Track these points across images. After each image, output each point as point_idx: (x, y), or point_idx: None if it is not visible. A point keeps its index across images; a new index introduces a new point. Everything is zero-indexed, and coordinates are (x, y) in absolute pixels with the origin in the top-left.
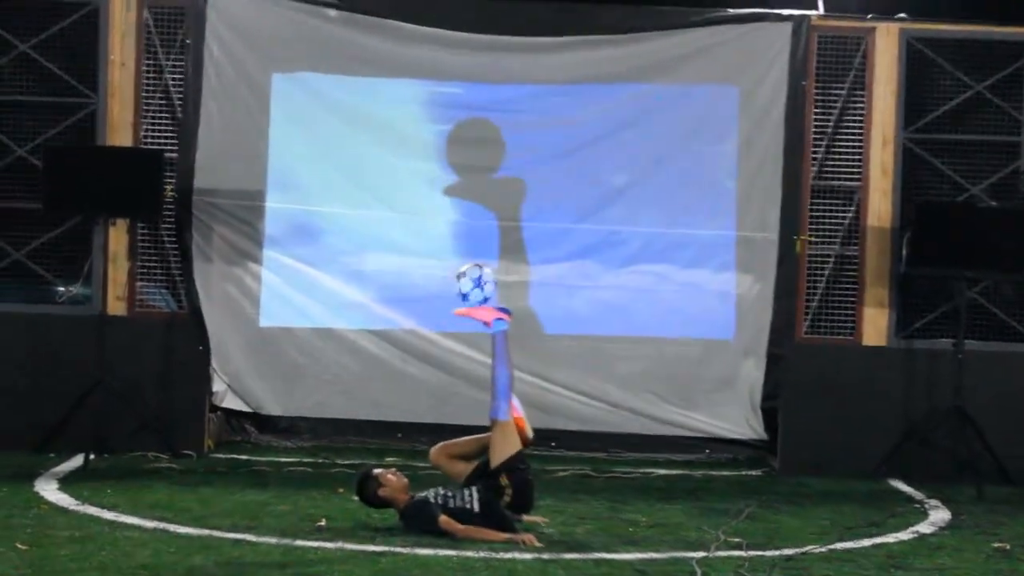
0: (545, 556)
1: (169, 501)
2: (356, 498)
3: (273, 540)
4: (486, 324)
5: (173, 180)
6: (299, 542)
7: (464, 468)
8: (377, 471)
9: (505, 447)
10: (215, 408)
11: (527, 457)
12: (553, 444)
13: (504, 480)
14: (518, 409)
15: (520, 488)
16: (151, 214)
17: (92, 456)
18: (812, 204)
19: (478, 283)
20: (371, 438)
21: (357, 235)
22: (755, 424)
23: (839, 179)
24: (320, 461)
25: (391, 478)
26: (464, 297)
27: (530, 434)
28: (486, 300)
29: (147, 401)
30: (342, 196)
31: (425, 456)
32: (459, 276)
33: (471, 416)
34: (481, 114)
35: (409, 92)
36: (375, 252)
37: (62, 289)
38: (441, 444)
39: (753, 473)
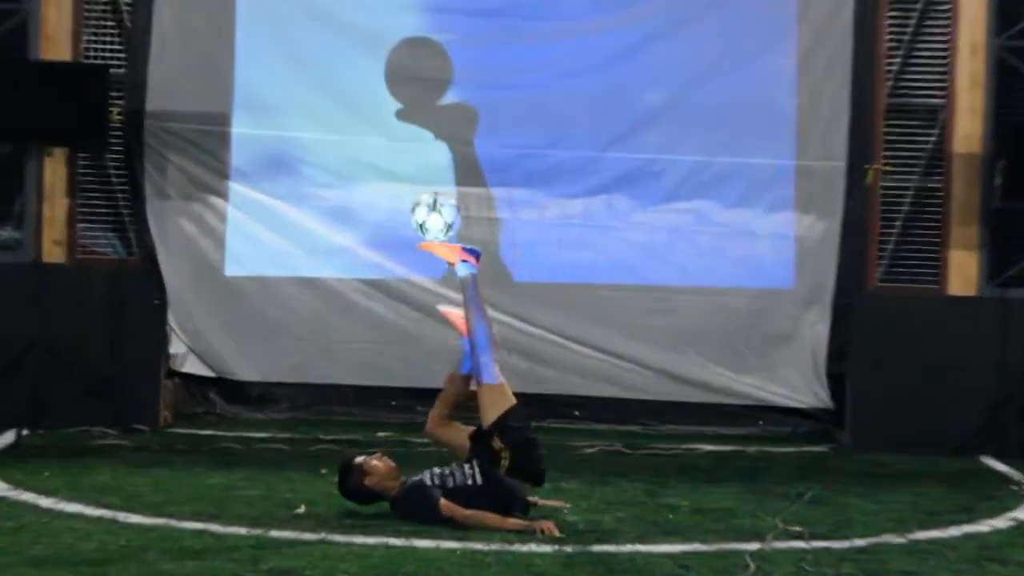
0: (568, 548)
1: (118, 484)
2: (344, 496)
3: (242, 530)
4: (449, 264)
5: (120, 101)
6: (273, 533)
7: (464, 438)
8: (359, 459)
9: (492, 406)
10: (173, 373)
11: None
12: (577, 414)
13: (498, 443)
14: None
15: (518, 448)
16: (94, 142)
17: (26, 432)
18: (887, 126)
19: (433, 208)
20: (359, 408)
21: (341, 165)
22: (819, 390)
23: (919, 96)
24: (299, 437)
25: (376, 464)
26: (421, 228)
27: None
28: (450, 229)
29: (92, 366)
30: (322, 119)
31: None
32: (413, 208)
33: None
34: (487, 21)
35: None
36: (362, 185)
37: None
38: (430, 413)
39: (817, 449)
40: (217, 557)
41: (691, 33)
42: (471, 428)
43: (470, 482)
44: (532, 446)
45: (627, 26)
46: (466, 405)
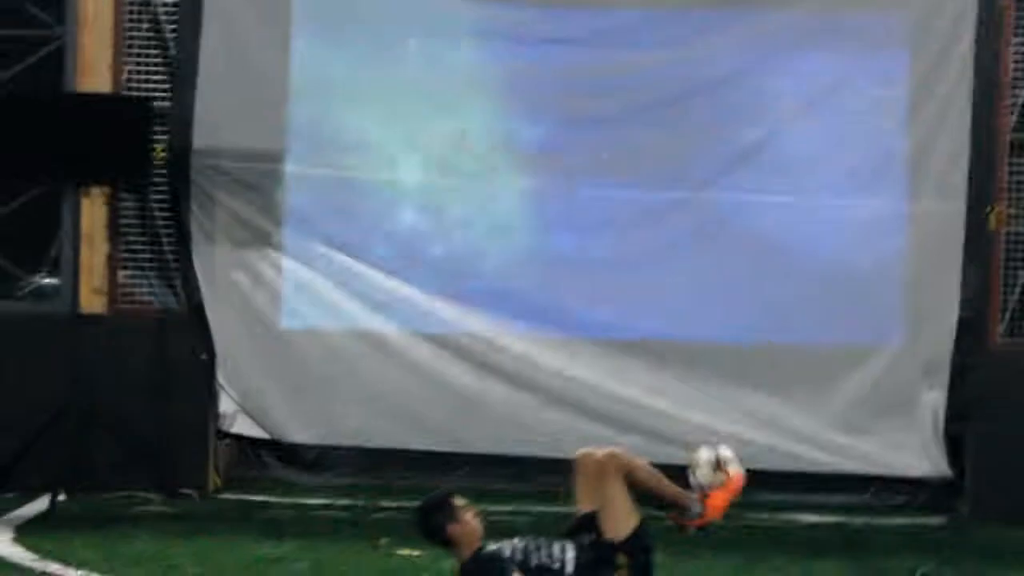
0: None
1: (156, 555)
2: (418, 526)
3: None
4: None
5: (165, 136)
6: None
7: (617, 503)
8: (458, 501)
9: (627, 514)
10: (223, 434)
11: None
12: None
13: (622, 559)
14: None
15: (640, 570)
16: (137, 181)
17: (62, 496)
18: (1012, 164)
19: (716, 467)
20: (426, 474)
21: (406, 207)
22: (936, 455)
23: None
24: (357, 504)
25: (469, 519)
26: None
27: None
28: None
29: (134, 425)
30: (386, 155)
31: (498, 499)
32: (694, 470)
33: (559, 445)
34: (567, 48)
35: (477, 17)
36: (430, 230)
37: (23, 280)
38: (625, 453)
39: (933, 521)
40: None
41: (793, 62)
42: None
43: (557, 566)
44: (651, 567)
45: (722, 53)
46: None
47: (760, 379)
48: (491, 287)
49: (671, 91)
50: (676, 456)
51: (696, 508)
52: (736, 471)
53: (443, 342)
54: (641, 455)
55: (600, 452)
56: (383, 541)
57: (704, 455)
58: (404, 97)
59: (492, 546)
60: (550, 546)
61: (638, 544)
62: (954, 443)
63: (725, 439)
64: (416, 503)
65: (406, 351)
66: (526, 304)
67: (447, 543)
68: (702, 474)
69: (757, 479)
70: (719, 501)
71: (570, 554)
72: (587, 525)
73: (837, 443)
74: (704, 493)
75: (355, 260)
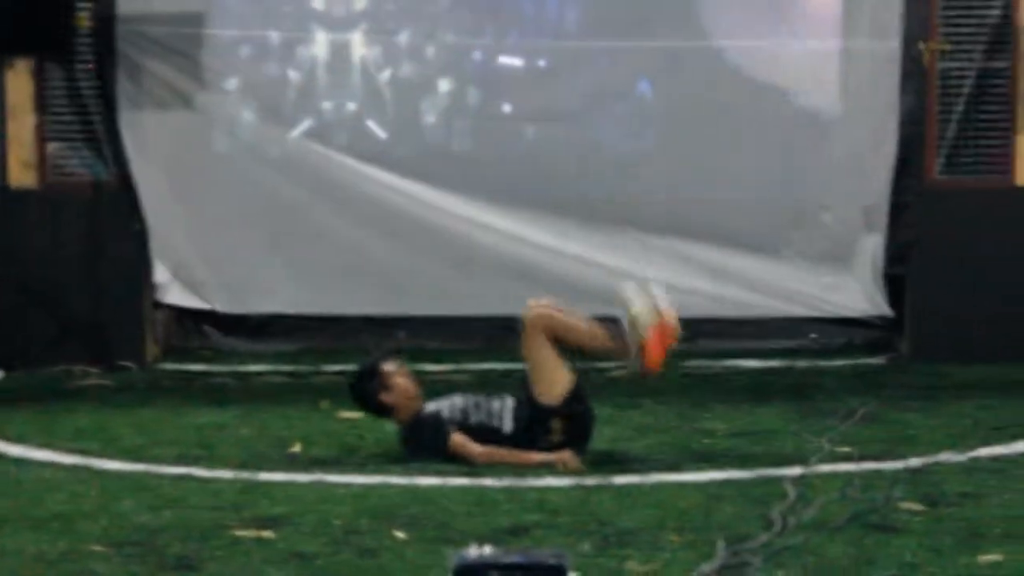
0: (589, 481)
1: (96, 428)
2: (352, 398)
3: (229, 474)
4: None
5: (89, 4)
6: (263, 475)
7: (551, 362)
8: (387, 367)
9: (557, 375)
10: (160, 305)
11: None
12: None
13: (556, 424)
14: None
15: (577, 432)
16: (62, 51)
17: None
18: None
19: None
20: (366, 336)
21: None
22: (876, 296)
23: None
24: (300, 369)
25: (400, 381)
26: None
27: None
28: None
29: (69, 299)
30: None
31: (435, 357)
32: (626, 304)
33: (504, 307)
34: None
35: None
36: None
37: None
38: (548, 311)
39: (873, 361)
40: (198, 505)
41: None
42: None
43: (496, 423)
44: (589, 431)
45: None
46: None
47: (700, 229)
48: (425, 148)
49: None
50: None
51: (635, 360)
52: (667, 308)
53: (380, 203)
54: (579, 310)
55: (530, 311)
56: (324, 404)
57: (632, 292)
58: None
59: (431, 405)
60: (489, 402)
61: (571, 409)
62: (893, 283)
63: (658, 282)
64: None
65: (352, 205)
66: (457, 165)
67: (384, 411)
68: (635, 312)
69: (698, 327)
70: (655, 346)
71: (508, 412)
72: (528, 390)
73: (777, 287)
74: (640, 337)
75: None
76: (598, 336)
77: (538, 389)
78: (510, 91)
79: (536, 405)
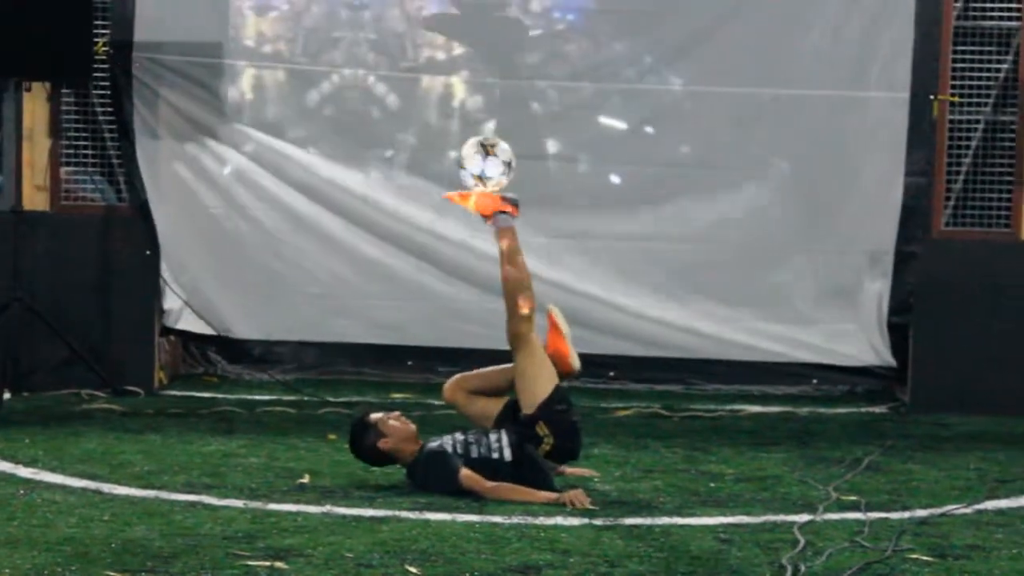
0: (598, 521)
1: (105, 453)
2: (355, 456)
3: (239, 503)
4: (484, 218)
5: (107, 31)
6: (273, 505)
7: (488, 407)
8: (375, 416)
9: (536, 385)
10: (168, 331)
11: (569, 392)
12: (611, 374)
13: (542, 429)
14: (561, 327)
15: (564, 434)
16: (78, 77)
17: (7, 396)
18: (955, 53)
19: (486, 154)
20: (372, 369)
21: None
22: (879, 345)
23: (992, 17)
24: (305, 399)
25: (394, 425)
26: (481, 180)
27: (576, 364)
28: (510, 169)
29: (79, 323)
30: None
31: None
32: (461, 161)
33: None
34: None
35: None
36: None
37: None
38: (458, 377)
39: (876, 410)
40: (210, 533)
41: None
42: (502, 399)
43: (496, 455)
44: (576, 431)
45: None
46: (502, 392)
47: (705, 273)
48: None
49: None
50: (610, 346)
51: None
52: (505, 149)
53: (384, 233)
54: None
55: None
56: (332, 436)
57: (469, 145)
58: None
59: (433, 442)
60: (486, 437)
61: (551, 408)
62: (897, 333)
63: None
64: (362, 399)
65: (352, 245)
66: None
67: (386, 458)
68: (473, 163)
69: (700, 369)
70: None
71: (504, 440)
72: (511, 412)
73: (782, 333)
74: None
75: (302, 153)
76: (497, 371)
77: (522, 404)
78: None
79: (521, 420)
